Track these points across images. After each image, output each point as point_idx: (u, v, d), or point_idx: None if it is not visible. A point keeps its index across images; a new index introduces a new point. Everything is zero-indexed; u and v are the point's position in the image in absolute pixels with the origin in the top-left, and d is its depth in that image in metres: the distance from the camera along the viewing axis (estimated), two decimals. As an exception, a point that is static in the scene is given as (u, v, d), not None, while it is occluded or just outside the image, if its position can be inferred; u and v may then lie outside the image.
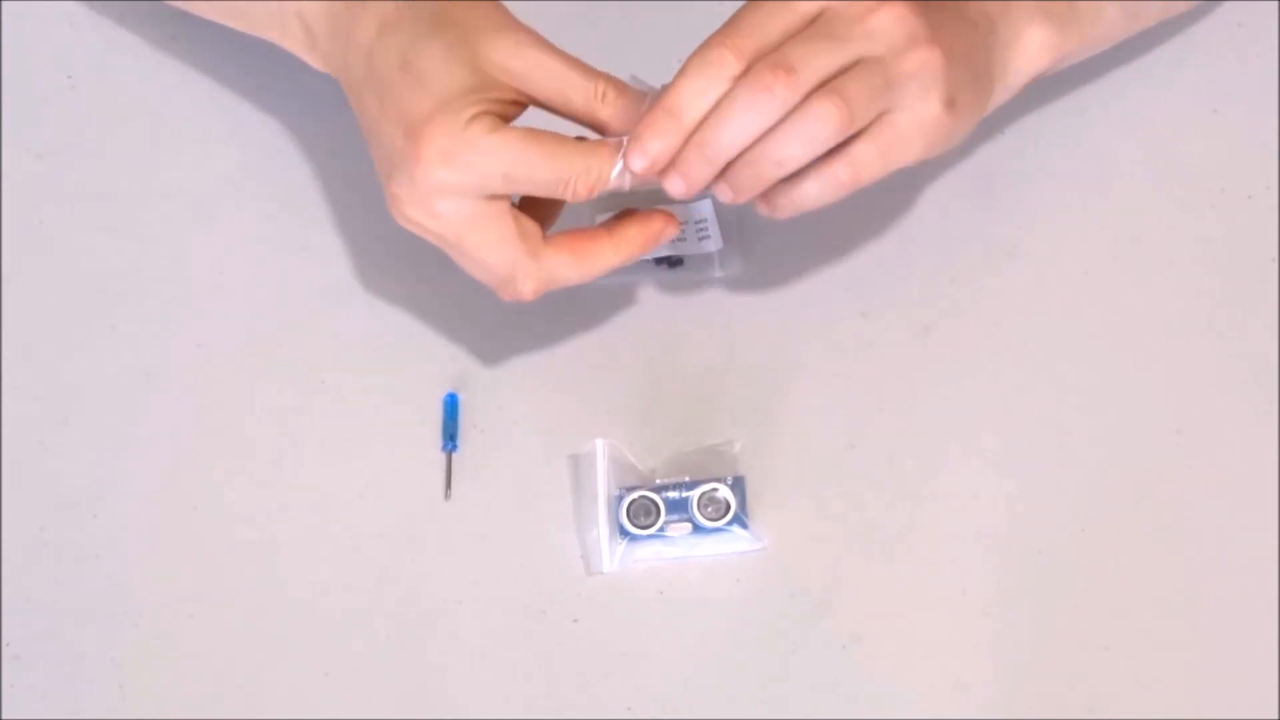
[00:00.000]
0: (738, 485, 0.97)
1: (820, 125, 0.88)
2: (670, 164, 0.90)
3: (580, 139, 0.91)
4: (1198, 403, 1.00)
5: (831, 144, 0.88)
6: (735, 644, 0.95)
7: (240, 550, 0.97)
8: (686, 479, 0.97)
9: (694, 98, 0.89)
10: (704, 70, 0.88)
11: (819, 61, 0.88)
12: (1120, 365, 1.01)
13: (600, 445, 0.97)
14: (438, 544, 0.97)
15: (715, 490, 0.97)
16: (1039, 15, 0.96)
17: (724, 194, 0.91)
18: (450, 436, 0.99)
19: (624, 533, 0.96)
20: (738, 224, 1.03)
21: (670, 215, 0.93)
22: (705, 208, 1.03)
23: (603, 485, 0.96)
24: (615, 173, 0.91)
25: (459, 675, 0.95)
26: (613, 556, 0.96)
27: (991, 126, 1.00)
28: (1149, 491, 0.98)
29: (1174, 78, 1.07)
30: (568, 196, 0.91)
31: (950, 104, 0.90)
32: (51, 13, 1.09)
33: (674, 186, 0.90)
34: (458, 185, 0.89)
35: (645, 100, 0.91)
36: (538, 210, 0.93)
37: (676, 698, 0.94)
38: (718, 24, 1.07)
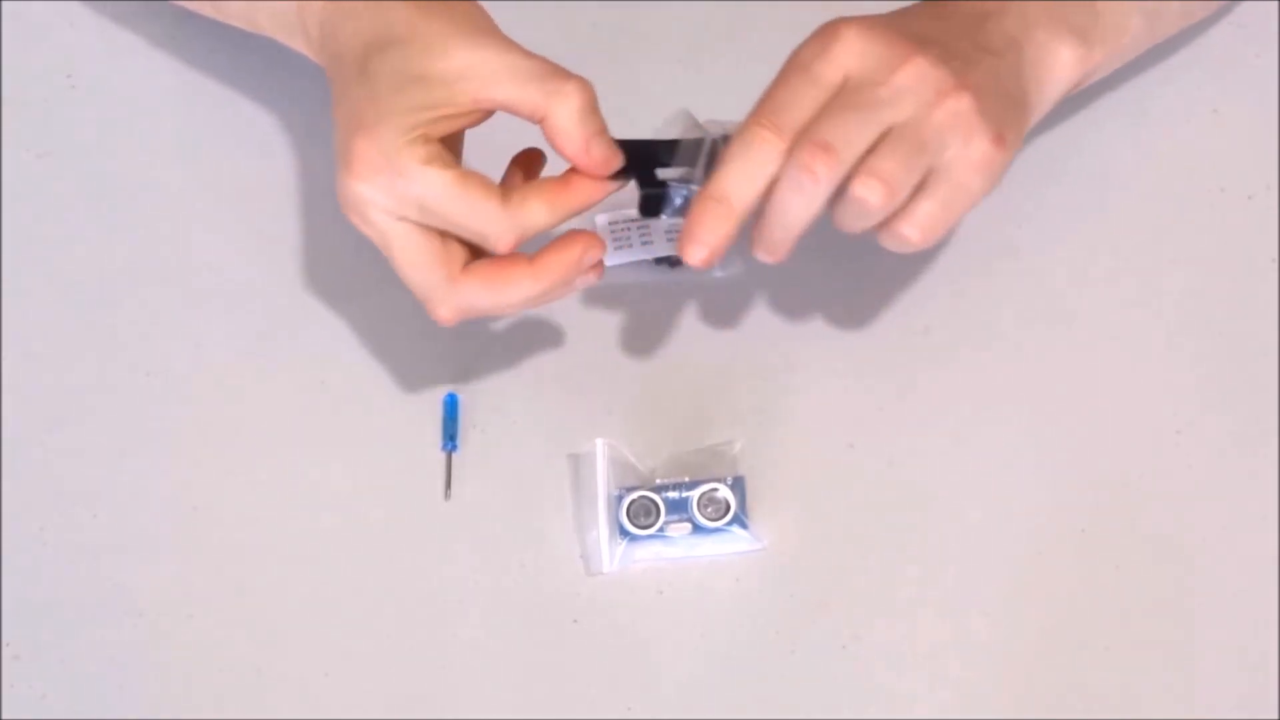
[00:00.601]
0: (737, 485, 0.97)
1: (863, 208, 0.88)
2: (755, 243, 0.90)
3: (511, 190, 0.90)
4: (1198, 403, 1.00)
5: (881, 217, 0.89)
6: (735, 644, 0.95)
7: (240, 550, 0.97)
8: (686, 479, 0.97)
9: (741, 183, 0.89)
10: (746, 154, 0.88)
11: (854, 135, 0.88)
12: (1120, 365, 1.01)
13: (600, 445, 0.97)
14: (438, 544, 0.97)
15: (715, 490, 0.97)
16: (1064, 31, 0.96)
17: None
18: (450, 436, 0.99)
19: (624, 533, 0.96)
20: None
21: (592, 236, 0.92)
22: (705, 208, 1.03)
23: (602, 485, 0.96)
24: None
25: (459, 675, 0.95)
26: (613, 557, 0.96)
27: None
28: (1149, 491, 0.98)
29: (1174, 78, 1.07)
30: (487, 248, 0.90)
31: (999, 139, 0.90)
32: (51, 13, 1.09)
33: (764, 259, 0.91)
34: (379, 203, 0.89)
35: (601, 132, 0.90)
36: None
37: (676, 698, 0.94)
38: (717, 24, 1.08)
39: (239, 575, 0.97)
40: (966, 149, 0.89)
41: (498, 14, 1.10)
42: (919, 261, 1.03)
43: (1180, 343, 1.01)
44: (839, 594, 0.96)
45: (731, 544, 0.97)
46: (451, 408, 0.99)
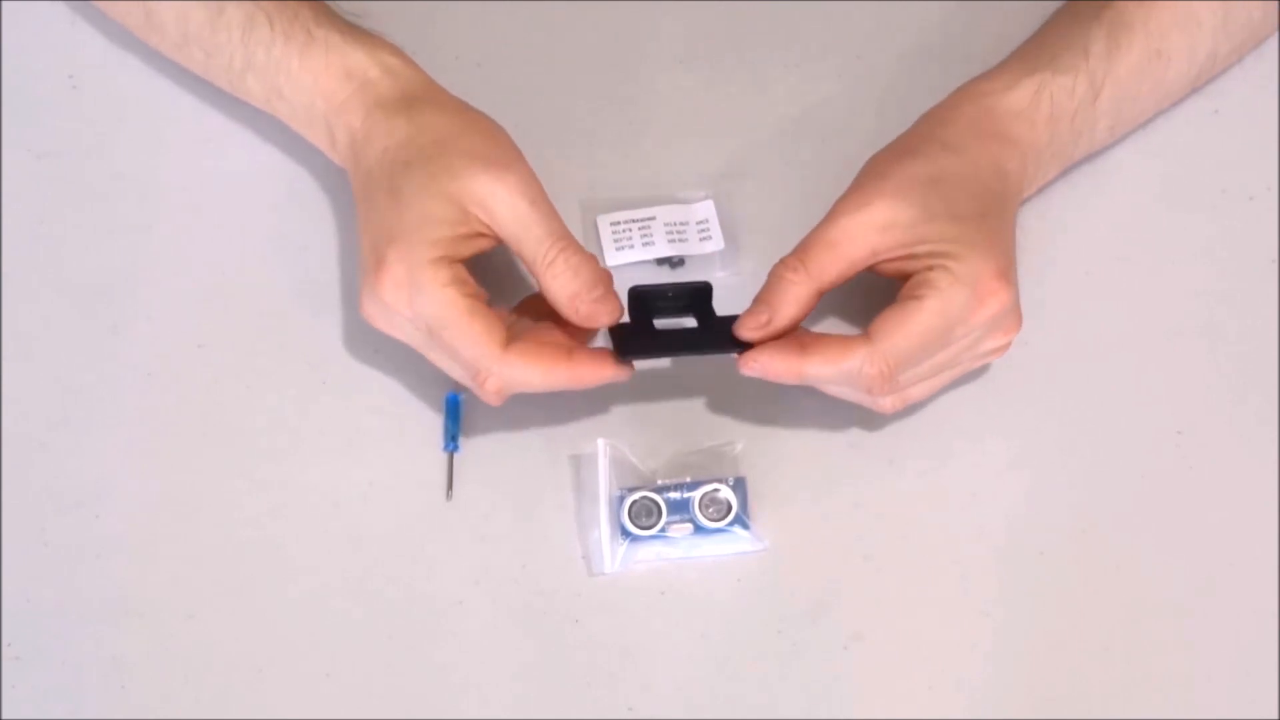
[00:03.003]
0: (739, 486, 0.97)
1: (878, 408, 0.96)
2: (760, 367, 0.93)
3: (515, 340, 0.93)
4: (1198, 404, 1.00)
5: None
6: (736, 644, 0.95)
7: (240, 550, 0.97)
8: (688, 479, 0.97)
9: (821, 375, 0.93)
10: (850, 378, 0.93)
11: (922, 370, 0.94)
12: (1121, 366, 1.01)
13: (602, 446, 0.97)
14: (439, 544, 0.97)
15: (717, 491, 0.97)
16: (1053, 160, 1.00)
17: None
18: (452, 437, 0.99)
19: (625, 533, 0.96)
20: (739, 225, 1.03)
21: (623, 370, 0.95)
22: (707, 208, 1.04)
23: (604, 486, 0.96)
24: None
25: (460, 676, 0.95)
26: (614, 557, 0.96)
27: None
28: (1149, 492, 0.98)
29: (1174, 78, 1.07)
30: (474, 384, 0.93)
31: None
32: (51, 13, 1.09)
33: (751, 372, 0.94)
34: (404, 313, 0.93)
35: (597, 272, 0.93)
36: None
37: (677, 698, 0.94)
38: (717, 24, 1.07)
39: (239, 575, 0.97)
40: (986, 360, 0.97)
41: (501, 16, 1.10)
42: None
43: (1180, 343, 1.01)
44: (839, 594, 0.96)
45: (733, 544, 0.97)
46: (453, 408, 0.99)
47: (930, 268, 0.92)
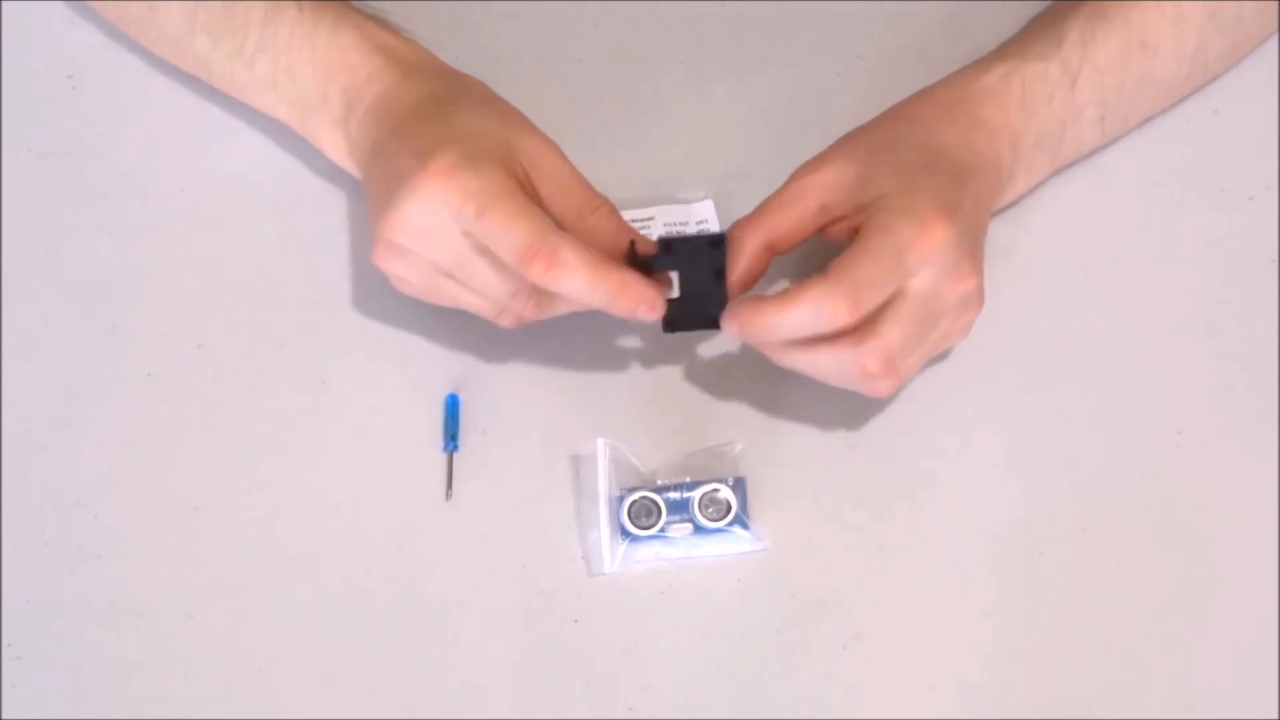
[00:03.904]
0: (739, 486, 0.97)
1: (866, 386, 0.95)
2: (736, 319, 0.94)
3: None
4: (1198, 404, 1.00)
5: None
6: (736, 644, 0.95)
7: (240, 550, 0.97)
8: (687, 479, 0.97)
9: (793, 329, 0.92)
10: (817, 315, 0.92)
11: (912, 346, 0.94)
12: (1120, 366, 1.01)
13: (601, 445, 0.97)
14: (439, 545, 0.97)
15: (716, 491, 0.97)
16: (1038, 150, 1.01)
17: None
18: (451, 437, 0.99)
19: (625, 533, 0.96)
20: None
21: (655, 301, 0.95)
22: (707, 208, 1.04)
23: (604, 486, 0.96)
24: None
25: (460, 676, 0.95)
26: (614, 557, 0.96)
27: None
28: (1149, 492, 0.98)
29: (1174, 78, 1.07)
30: (521, 267, 0.92)
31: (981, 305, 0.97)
32: (51, 13, 1.09)
33: (730, 328, 0.95)
34: (443, 213, 0.92)
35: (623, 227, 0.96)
36: None
37: (677, 698, 0.94)
38: (718, 24, 1.07)
39: (239, 575, 0.97)
40: (960, 323, 0.97)
41: (501, 16, 1.10)
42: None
43: (1180, 343, 1.01)
44: (839, 594, 0.96)
45: (733, 544, 0.97)
46: (452, 408, 0.99)
47: (874, 210, 0.94)
